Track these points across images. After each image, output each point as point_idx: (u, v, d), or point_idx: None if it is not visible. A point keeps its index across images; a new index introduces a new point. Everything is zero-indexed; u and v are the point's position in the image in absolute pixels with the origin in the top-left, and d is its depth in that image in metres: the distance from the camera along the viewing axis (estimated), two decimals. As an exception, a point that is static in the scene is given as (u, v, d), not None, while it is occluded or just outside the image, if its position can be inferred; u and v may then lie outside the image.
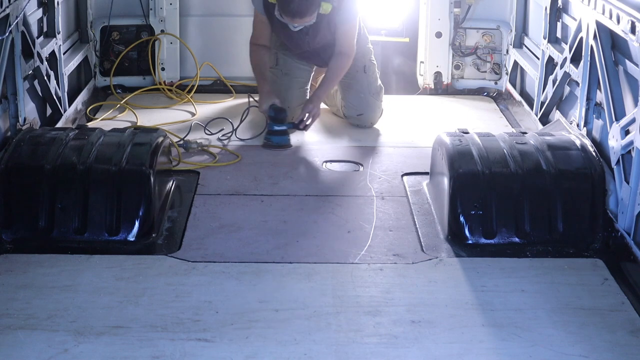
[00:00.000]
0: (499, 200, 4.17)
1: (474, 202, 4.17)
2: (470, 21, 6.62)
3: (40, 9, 5.32)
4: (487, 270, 3.87)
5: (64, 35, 5.77)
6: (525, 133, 4.73)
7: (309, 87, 5.82)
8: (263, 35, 5.60)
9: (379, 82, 5.86)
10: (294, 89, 5.73)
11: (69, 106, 5.63)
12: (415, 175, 4.97)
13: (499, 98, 6.57)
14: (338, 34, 5.49)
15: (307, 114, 5.45)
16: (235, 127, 5.56)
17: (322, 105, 5.78)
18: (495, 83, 6.66)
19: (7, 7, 4.32)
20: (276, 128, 5.40)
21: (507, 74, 6.50)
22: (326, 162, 5.21)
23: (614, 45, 4.32)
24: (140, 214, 4.14)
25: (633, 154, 3.91)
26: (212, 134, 5.52)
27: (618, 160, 4.10)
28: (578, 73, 4.77)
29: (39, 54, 4.97)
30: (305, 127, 5.46)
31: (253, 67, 5.67)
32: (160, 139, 4.51)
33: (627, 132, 4.00)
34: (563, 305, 3.57)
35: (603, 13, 4.26)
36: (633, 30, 3.85)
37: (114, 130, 4.67)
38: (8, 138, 4.45)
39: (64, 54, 5.66)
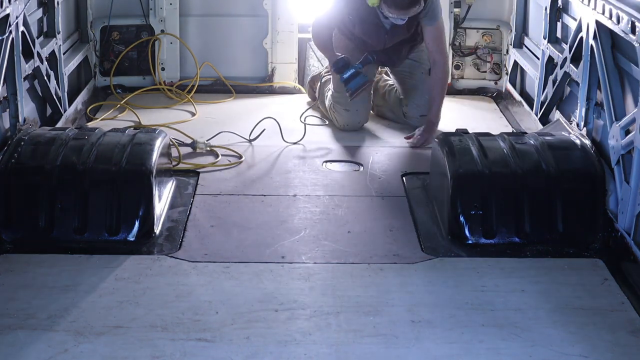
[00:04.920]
0: (499, 200, 4.17)
1: (474, 202, 4.16)
2: (470, 21, 6.62)
3: (40, 9, 5.32)
4: (487, 270, 3.87)
5: (64, 35, 5.77)
6: (525, 133, 4.73)
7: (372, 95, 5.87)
8: (332, 22, 5.55)
9: None
10: (363, 94, 5.68)
11: (69, 106, 5.63)
12: (415, 175, 4.97)
13: (499, 98, 6.57)
14: (427, 39, 5.52)
15: (419, 138, 5.45)
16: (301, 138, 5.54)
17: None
18: (495, 83, 6.66)
19: (7, 7, 4.32)
20: (346, 76, 5.41)
21: (507, 74, 6.51)
22: (326, 162, 5.21)
23: (614, 45, 4.32)
24: (140, 214, 4.14)
25: (633, 154, 3.91)
26: (250, 140, 5.46)
27: (618, 160, 4.10)
28: (578, 73, 4.77)
29: (39, 54, 4.96)
30: (416, 145, 5.46)
31: (319, 43, 5.66)
32: (160, 139, 4.51)
33: (627, 132, 4.00)
34: (563, 305, 3.57)
35: (603, 13, 4.26)
36: (633, 30, 3.85)
37: (114, 130, 4.66)
38: (8, 138, 4.44)
39: (64, 54, 5.66)
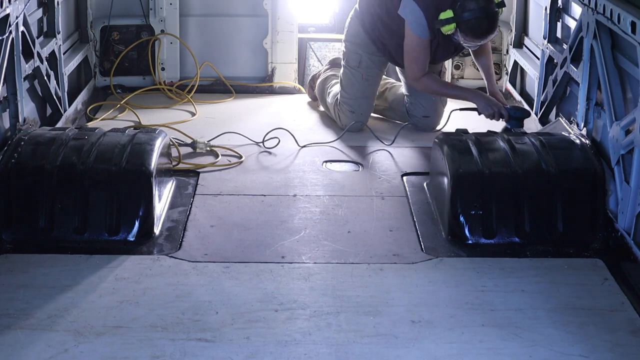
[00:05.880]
0: (499, 200, 4.17)
1: (474, 202, 4.17)
2: (470, 21, 6.61)
3: (40, 9, 5.32)
4: (487, 270, 3.87)
5: (64, 35, 5.77)
6: (525, 133, 4.73)
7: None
8: (427, 60, 5.44)
9: None
10: (370, 98, 5.73)
11: (69, 106, 5.63)
12: (415, 175, 4.97)
13: (499, 98, 6.56)
14: None
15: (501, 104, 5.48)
16: (338, 137, 5.57)
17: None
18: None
19: (7, 7, 4.32)
20: (515, 127, 5.33)
21: (507, 74, 6.50)
22: (326, 162, 5.21)
23: (614, 45, 4.32)
24: (140, 214, 4.14)
25: (633, 154, 3.91)
26: (267, 145, 5.41)
27: (618, 160, 4.10)
28: (578, 73, 4.77)
29: (39, 54, 4.96)
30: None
31: (439, 91, 5.55)
32: (160, 139, 4.51)
33: (627, 132, 4.00)
34: (563, 305, 3.57)
35: (603, 13, 4.26)
36: (633, 30, 3.85)
37: (114, 130, 4.66)
38: (8, 138, 4.44)
39: (64, 54, 5.66)
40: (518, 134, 4.65)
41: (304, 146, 5.40)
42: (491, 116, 5.43)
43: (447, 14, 5.14)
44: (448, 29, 5.17)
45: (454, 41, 5.34)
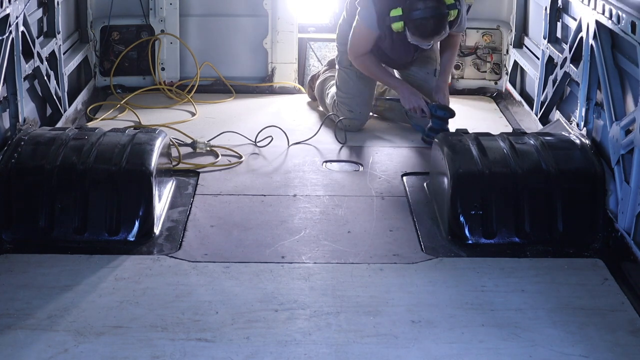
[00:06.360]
0: (499, 200, 4.17)
1: (474, 202, 4.17)
2: (470, 21, 6.60)
3: (40, 9, 5.32)
4: (487, 270, 3.87)
5: (64, 35, 5.77)
6: (525, 133, 4.73)
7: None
8: (367, 47, 5.50)
9: None
10: (366, 96, 5.74)
11: (69, 106, 5.63)
12: (415, 175, 4.98)
13: (499, 98, 6.57)
14: (451, 36, 5.51)
15: (445, 101, 5.55)
16: (314, 134, 5.58)
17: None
18: (495, 83, 6.66)
19: (7, 7, 4.32)
20: (437, 126, 5.37)
21: (507, 74, 6.51)
22: (326, 162, 5.21)
23: (614, 45, 4.32)
24: (140, 214, 4.14)
25: (633, 154, 3.91)
26: (258, 144, 5.41)
27: (618, 160, 4.10)
28: (578, 73, 4.77)
29: (39, 54, 4.97)
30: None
31: (372, 71, 5.59)
32: (160, 139, 4.51)
33: (627, 132, 4.00)
34: (563, 305, 3.58)
35: (603, 13, 4.26)
36: (633, 30, 3.85)
37: (114, 130, 4.66)
38: (8, 138, 4.44)
39: (64, 54, 5.66)
40: (518, 134, 4.65)
41: (292, 144, 5.41)
42: (413, 110, 5.52)
43: (397, 11, 5.17)
44: (397, 27, 5.20)
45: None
